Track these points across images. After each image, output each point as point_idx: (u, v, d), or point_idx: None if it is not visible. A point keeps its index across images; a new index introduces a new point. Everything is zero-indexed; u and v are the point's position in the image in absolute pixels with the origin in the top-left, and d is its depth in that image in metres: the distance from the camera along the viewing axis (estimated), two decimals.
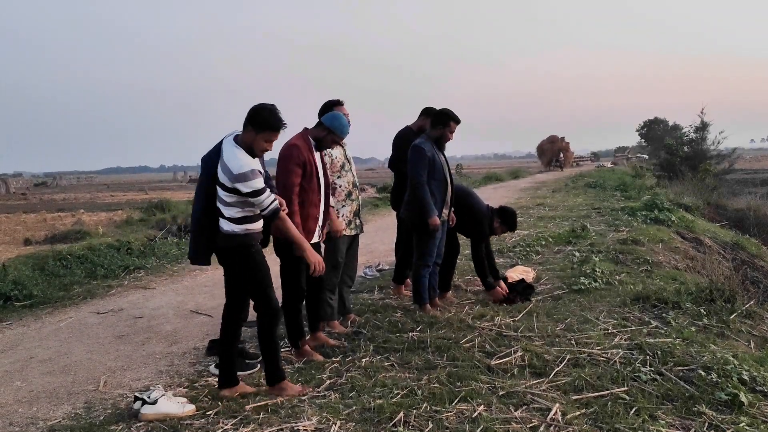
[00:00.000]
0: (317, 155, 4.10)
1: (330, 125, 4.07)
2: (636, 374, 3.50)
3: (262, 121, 3.26)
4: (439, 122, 4.90)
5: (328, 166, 4.35)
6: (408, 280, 5.85)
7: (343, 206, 4.53)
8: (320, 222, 4.12)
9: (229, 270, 3.47)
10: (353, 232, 4.64)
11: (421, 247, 4.89)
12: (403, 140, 5.41)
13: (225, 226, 3.32)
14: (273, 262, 3.68)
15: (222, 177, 3.26)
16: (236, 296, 3.51)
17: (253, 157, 3.32)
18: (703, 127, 26.77)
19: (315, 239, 4.05)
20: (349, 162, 4.65)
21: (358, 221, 4.66)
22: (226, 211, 3.31)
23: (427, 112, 5.46)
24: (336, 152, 4.57)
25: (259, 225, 3.41)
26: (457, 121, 4.89)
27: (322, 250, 4.30)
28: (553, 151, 45.07)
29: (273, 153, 3.68)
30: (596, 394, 3.27)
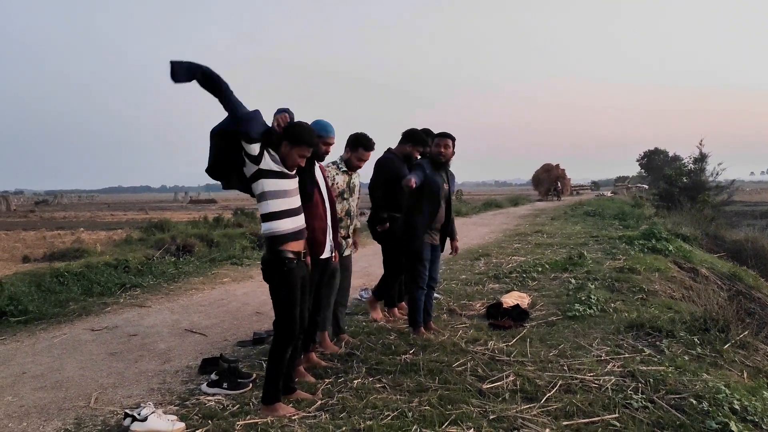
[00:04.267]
0: (316, 169, 4.14)
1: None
2: (627, 401, 3.50)
3: (297, 136, 3.44)
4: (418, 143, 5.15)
5: None
6: (402, 303, 5.87)
7: None
8: (329, 235, 4.11)
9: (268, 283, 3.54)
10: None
11: (411, 270, 4.90)
12: (386, 165, 5.36)
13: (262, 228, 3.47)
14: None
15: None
16: (279, 312, 3.51)
17: (290, 170, 3.49)
18: (701, 159, 26.95)
19: (326, 254, 4.06)
20: (350, 190, 4.72)
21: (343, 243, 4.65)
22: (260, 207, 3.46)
23: (406, 136, 5.40)
24: (339, 178, 4.65)
25: (288, 225, 3.43)
26: (424, 141, 5.10)
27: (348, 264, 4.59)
28: (549, 180, 43.61)
29: None
30: (587, 420, 3.27)
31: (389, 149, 5.50)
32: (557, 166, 45.59)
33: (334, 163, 4.80)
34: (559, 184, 42.94)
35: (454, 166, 5.04)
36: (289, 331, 3.45)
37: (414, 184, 4.44)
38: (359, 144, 4.76)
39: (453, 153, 4.92)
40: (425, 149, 5.36)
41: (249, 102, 3.36)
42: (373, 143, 4.83)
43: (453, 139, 4.89)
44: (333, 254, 4.17)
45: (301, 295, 3.52)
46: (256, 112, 3.38)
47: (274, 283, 3.47)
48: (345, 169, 4.79)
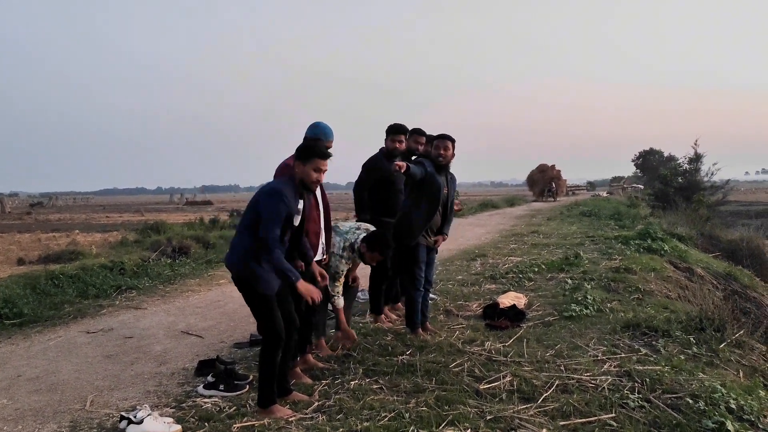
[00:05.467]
0: None
1: (313, 134, 4.17)
2: (624, 401, 3.50)
3: (307, 152, 3.46)
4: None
5: None
6: (399, 303, 5.87)
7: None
8: (322, 238, 4.12)
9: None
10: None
11: (408, 272, 4.89)
12: (375, 165, 5.27)
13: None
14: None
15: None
16: (259, 318, 3.51)
17: (308, 192, 3.57)
18: (696, 159, 27.06)
19: (318, 256, 4.06)
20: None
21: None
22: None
23: (386, 130, 5.31)
24: (343, 264, 4.55)
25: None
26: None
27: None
28: (544, 181, 42.69)
29: None
30: (584, 420, 3.27)
31: (381, 149, 5.38)
32: (552, 166, 44.98)
33: (351, 246, 4.55)
34: (553, 185, 42.40)
35: (451, 165, 5.01)
36: (274, 335, 3.42)
37: (402, 168, 4.23)
38: (376, 248, 4.50)
39: (453, 155, 4.86)
40: (410, 141, 5.40)
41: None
42: (392, 248, 4.64)
43: (453, 141, 4.81)
44: (324, 257, 4.19)
45: (284, 297, 3.50)
46: (288, 194, 3.37)
47: (246, 289, 3.44)
48: (359, 261, 4.65)
